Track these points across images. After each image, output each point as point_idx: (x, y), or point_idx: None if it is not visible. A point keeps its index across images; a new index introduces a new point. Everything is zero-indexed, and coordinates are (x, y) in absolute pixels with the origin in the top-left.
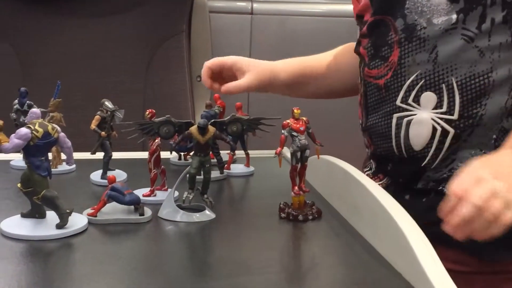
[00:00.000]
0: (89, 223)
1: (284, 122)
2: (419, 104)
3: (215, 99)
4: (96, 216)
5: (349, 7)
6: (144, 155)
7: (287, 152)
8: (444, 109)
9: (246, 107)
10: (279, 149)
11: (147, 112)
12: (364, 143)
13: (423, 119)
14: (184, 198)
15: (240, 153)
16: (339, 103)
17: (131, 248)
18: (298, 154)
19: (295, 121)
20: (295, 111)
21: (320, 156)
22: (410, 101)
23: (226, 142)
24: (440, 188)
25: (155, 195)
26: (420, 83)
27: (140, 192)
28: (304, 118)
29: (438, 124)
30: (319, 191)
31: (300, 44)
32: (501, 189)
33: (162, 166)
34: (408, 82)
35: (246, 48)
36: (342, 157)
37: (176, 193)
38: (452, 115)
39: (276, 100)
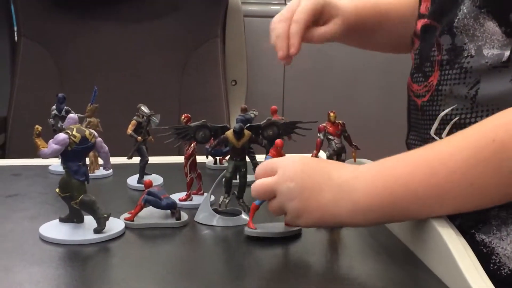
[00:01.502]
0: (126, 227)
1: (320, 125)
2: None
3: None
4: (133, 221)
5: None
6: (180, 159)
7: (323, 155)
8: None
9: (281, 110)
10: (315, 152)
11: (182, 117)
12: None
13: None
14: (220, 203)
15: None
16: (376, 105)
17: (167, 252)
18: (334, 157)
19: (331, 125)
20: (331, 114)
21: (357, 159)
22: (443, 135)
23: (261, 146)
24: (473, 231)
25: (191, 200)
26: (454, 120)
27: (177, 197)
28: (340, 122)
29: None
30: None
31: (335, 46)
32: (285, 191)
33: (198, 171)
34: (442, 114)
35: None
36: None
37: (212, 198)
38: None
39: (311, 104)
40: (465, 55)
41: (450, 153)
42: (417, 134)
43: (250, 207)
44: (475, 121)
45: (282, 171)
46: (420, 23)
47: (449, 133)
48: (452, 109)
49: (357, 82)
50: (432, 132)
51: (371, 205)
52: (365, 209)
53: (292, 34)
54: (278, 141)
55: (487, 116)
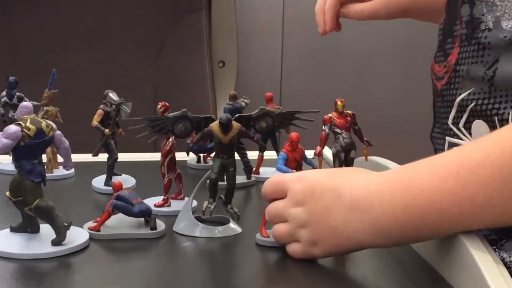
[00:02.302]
0: (91, 238)
1: (326, 116)
2: (470, 133)
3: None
4: (99, 231)
5: None
6: (156, 157)
7: (328, 152)
8: None
9: (278, 98)
10: (319, 148)
11: (159, 106)
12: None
13: None
14: (204, 209)
15: (271, 154)
16: (393, 93)
17: (140, 269)
18: (342, 155)
19: (339, 116)
20: (339, 103)
21: (369, 157)
22: (461, 125)
23: (254, 141)
24: (494, 248)
25: (169, 205)
26: (471, 106)
27: (152, 202)
28: (350, 112)
29: None
30: None
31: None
32: (295, 216)
33: (178, 170)
34: (458, 99)
35: (278, 27)
36: (395, 159)
37: (195, 203)
38: None
39: (315, 90)
40: (483, 28)
41: (482, 160)
42: (439, 126)
43: (239, 214)
44: (493, 108)
45: (291, 194)
46: None
47: (466, 123)
48: (469, 94)
49: (371, 65)
50: (449, 121)
51: (390, 225)
52: (384, 230)
53: (326, 9)
54: (293, 134)
55: (505, 102)
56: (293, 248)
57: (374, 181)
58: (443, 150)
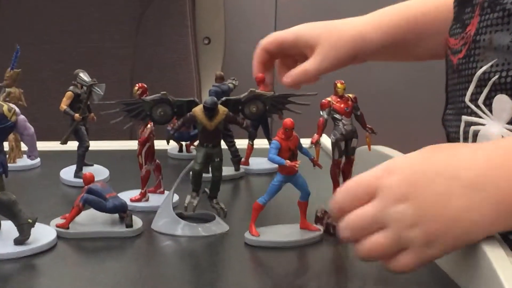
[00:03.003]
0: (59, 237)
1: (324, 100)
2: (490, 110)
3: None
4: (68, 228)
5: None
6: (133, 145)
7: (327, 141)
8: None
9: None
10: (316, 136)
11: (136, 87)
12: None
13: (491, 134)
14: (186, 204)
15: (262, 142)
16: (399, 74)
17: (114, 271)
18: (342, 144)
19: (338, 99)
20: (338, 85)
21: (372, 146)
22: (480, 102)
23: (242, 127)
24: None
25: (147, 200)
26: (493, 79)
27: (127, 196)
28: (351, 95)
29: None
30: None
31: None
32: (398, 216)
33: (157, 161)
34: (479, 72)
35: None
36: (401, 148)
37: (176, 197)
38: None
39: None
40: None
41: None
42: (454, 106)
43: (225, 210)
44: None
45: (386, 192)
46: None
47: (487, 98)
48: (491, 65)
49: None
50: (467, 98)
51: None
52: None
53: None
54: (287, 120)
55: None
56: (404, 260)
57: (493, 152)
58: (458, 133)
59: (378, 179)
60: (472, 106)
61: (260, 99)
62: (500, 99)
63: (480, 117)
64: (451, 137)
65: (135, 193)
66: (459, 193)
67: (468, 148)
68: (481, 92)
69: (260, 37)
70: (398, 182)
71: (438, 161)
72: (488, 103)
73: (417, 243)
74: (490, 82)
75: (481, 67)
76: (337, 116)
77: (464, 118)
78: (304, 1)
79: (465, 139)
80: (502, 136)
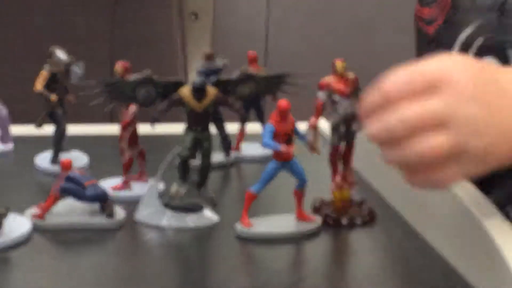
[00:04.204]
0: (34, 228)
1: (322, 80)
2: None
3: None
4: (44, 219)
5: None
6: (114, 130)
7: (325, 125)
8: None
9: (263, 58)
10: (313, 119)
11: (117, 66)
12: None
13: None
14: (173, 193)
15: (254, 126)
16: (401, 52)
17: (94, 266)
18: (342, 128)
19: (338, 79)
20: (338, 64)
21: None
22: None
23: (234, 110)
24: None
25: (130, 188)
26: (478, 42)
27: (108, 184)
28: (352, 75)
29: None
30: (371, 183)
31: None
32: (467, 120)
33: (141, 146)
34: (463, 35)
35: None
36: None
37: (161, 186)
38: None
39: (309, 48)
40: None
41: None
42: None
43: (215, 199)
44: (504, 41)
45: (456, 87)
46: None
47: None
48: (474, 29)
49: (377, 17)
50: None
51: None
52: None
53: None
54: (282, 102)
55: None
56: (451, 173)
57: None
58: None
59: (444, 72)
60: None
61: (253, 79)
62: (489, 62)
63: None
64: None
65: (117, 181)
66: None
67: None
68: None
69: (249, 13)
70: (467, 80)
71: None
72: None
73: (475, 153)
74: (474, 46)
75: (464, 31)
76: (336, 97)
77: None
78: None
79: None
80: None
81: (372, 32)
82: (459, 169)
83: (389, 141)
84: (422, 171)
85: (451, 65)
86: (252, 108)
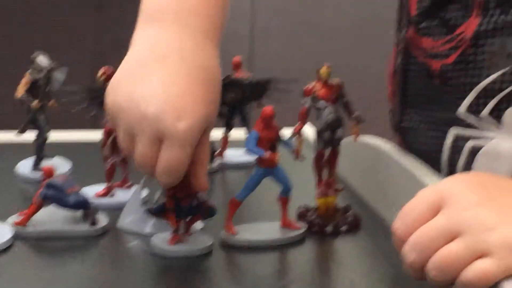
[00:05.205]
0: (16, 236)
1: (307, 86)
2: (499, 123)
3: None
4: (25, 226)
5: None
6: (97, 136)
7: (310, 131)
8: None
9: (248, 63)
10: (298, 126)
11: (100, 72)
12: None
13: (502, 151)
14: (156, 199)
15: (239, 132)
16: (388, 58)
17: (77, 274)
18: (327, 134)
19: (323, 86)
20: (323, 70)
21: (360, 136)
22: (484, 114)
23: (218, 116)
24: None
25: (112, 195)
26: (508, 90)
27: (91, 191)
28: (337, 81)
29: None
30: (357, 189)
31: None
32: (472, 220)
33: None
34: (485, 81)
35: None
36: (393, 138)
37: (145, 192)
38: None
39: (295, 53)
40: None
41: None
42: (428, 114)
43: (206, 206)
44: None
45: (456, 198)
46: None
47: (496, 109)
48: (503, 74)
49: (364, 22)
50: (463, 108)
51: None
52: None
53: None
54: (266, 109)
55: None
56: (482, 266)
57: None
58: (435, 145)
59: (440, 191)
60: (471, 118)
61: (238, 85)
62: None
63: (481, 130)
64: (419, 149)
65: (100, 187)
66: None
67: None
68: (485, 103)
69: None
70: (466, 188)
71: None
72: (496, 114)
73: (497, 247)
74: (503, 93)
75: (488, 76)
76: (321, 103)
77: (454, 130)
78: None
79: (454, 154)
80: None
81: (361, 37)
82: (493, 262)
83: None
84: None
85: (450, 183)
86: (236, 114)
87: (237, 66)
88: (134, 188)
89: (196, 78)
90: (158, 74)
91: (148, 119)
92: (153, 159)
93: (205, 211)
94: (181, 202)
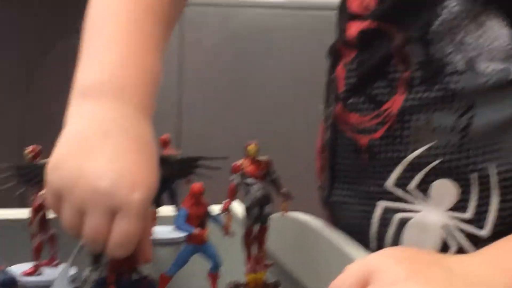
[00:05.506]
0: None
1: (235, 163)
2: (426, 195)
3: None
4: None
5: None
6: (24, 213)
7: (239, 207)
8: (469, 214)
9: (176, 140)
10: (227, 202)
11: (28, 150)
12: (324, 215)
13: (429, 223)
14: (84, 278)
15: (167, 209)
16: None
17: None
18: (256, 210)
19: (251, 162)
20: (251, 147)
21: (289, 212)
22: (411, 187)
23: None
24: None
25: (40, 274)
26: (434, 163)
27: (19, 269)
28: (265, 158)
29: (454, 236)
30: (286, 264)
31: (250, 44)
32: None
33: (52, 230)
34: (412, 155)
35: (172, 50)
36: (321, 214)
37: (73, 270)
38: (481, 227)
39: (223, 130)
40: (450, 71)
41: None
42: (356, 188)
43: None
44: (468, 163)
45: (383, 273)
46: (356, 27)
47: (423, 182)
48: (429, 149)
49: (291, 100)
50: (390, 182)
51: None
52: None
53: None
54: (195, 186)
55: (483, 154)
56: None
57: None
58: (365, 219)
59: (368, 266)
60: (398, 191)
61: (166, 162)
62: (442, 184)
63: (409, 203)
64: (348, 224)
65: (28, 266)
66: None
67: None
68: (412, 177)
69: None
70: (394, 263)
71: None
72: (422, 188)
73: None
74: (429, 166)
75: (414, 150)
76: (249, 180)
77: (383, 203)
78: (214, 52)
79: (383, 227)
80: (444, 226)
81: (289, 115)
82: None
83: None
84: None
85: (378, 258)
86: (165, 191)
87: (165, 144)
88: (62, 266)
89: (139, 151)
90: (104, 149)
91: (100, 193)
92: (106, 232)
93: (146, 286)
94: (122, 277)
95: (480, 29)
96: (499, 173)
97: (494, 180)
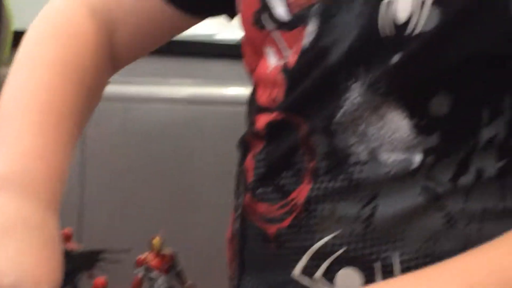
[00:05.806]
0: None
1: (139, 257)
2: (332, 284)
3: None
4: None
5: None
6: None
7: None
8: None
9: (77, 234)
10: None
11: None
12: None
13: None
14: None
15: None
16: (222, 225)
17: None
18: None
19: (155, 256)
20: (156, 240)
21: None
22: (317, 275)
23: None
24: None
25: None
26: (339, 252)
27: None
28: (169, 251)
29: None
30: None
31: (153, 138)
32: None
33: None
34: (318, 244)
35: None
36: None
37: None
38: None
39: (126, 223)
40: (353, 161)
41: None
42: (264, 277)
43: None
44: (372, 253)
45: None
46: (264, 119)
47: (328, 271)
48: (334, 237)
49: (194, 194)
50: (297, 271)
51: None
52: None
53: None
54: (98, 280)
55: (386, 243)
56: None
57: None
58: None
59: None
60: (305, 281)
61: (68, 256)
62: (347, 273)
63: None
64: None
65: None
66: None
67: None
68: (318, 265)
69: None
70: None
71: None
72: (329, 277)
73: None
74: (333, 256)
75: (319, 239)
76: (153, 274)
77: None
78: (117, 144)
79: None
80: None
81: (193, 208)
82: None
83: None
84: None
85: None
86: (67, 285)
87: (67, 238)
88: None
89: (45, 247)
90: (9, 245)
91: None
92: None
93: None
94: None
95: (381, 121)
96: (402, 262)
97: (397, 268)
